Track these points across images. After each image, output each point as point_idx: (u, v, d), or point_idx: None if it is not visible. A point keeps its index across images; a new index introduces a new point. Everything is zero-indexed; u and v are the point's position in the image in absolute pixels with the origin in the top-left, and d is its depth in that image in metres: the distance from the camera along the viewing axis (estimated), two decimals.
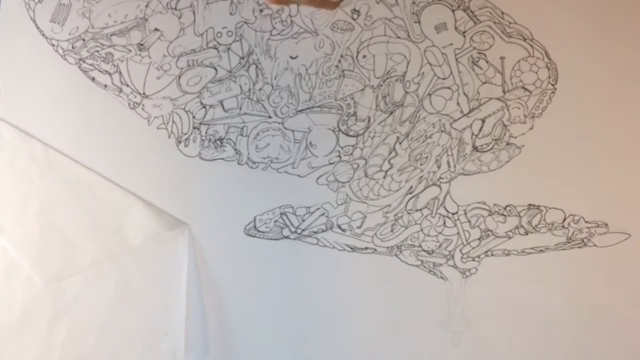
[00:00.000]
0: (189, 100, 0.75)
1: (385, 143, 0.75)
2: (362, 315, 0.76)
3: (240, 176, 0.75)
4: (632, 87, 0.75)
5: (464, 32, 0.75)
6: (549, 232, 0.75)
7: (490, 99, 0.75)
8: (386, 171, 0.75)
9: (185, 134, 0.75)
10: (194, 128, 0.75)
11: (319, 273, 0.76)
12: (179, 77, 0.75)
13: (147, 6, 0.74)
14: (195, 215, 0.75)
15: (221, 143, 0.75)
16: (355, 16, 0.74)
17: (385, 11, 0.74)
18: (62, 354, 0.73)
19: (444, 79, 0.75)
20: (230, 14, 0.74)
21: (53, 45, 0.74)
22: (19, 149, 0.75)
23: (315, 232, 0.76)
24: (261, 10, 0.74)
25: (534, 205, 0.75)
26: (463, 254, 0.76)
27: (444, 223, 0.76)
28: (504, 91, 0.75)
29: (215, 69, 0.75)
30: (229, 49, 0.74)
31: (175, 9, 0.74)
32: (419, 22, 0.74)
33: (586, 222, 0.75)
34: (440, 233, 0.76)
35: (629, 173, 0.75)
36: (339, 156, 0.75)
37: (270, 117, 0.75)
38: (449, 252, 0.76)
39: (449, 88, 0.75)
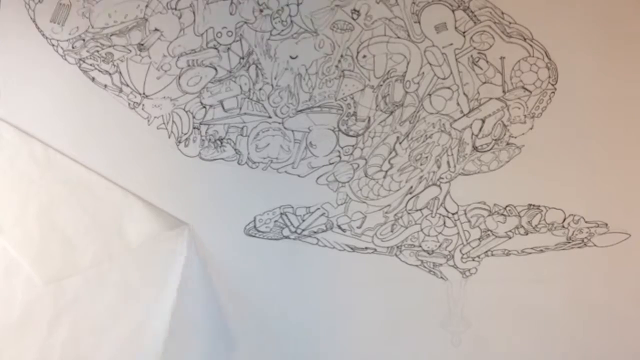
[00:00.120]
0: (189, 100, 0.75)
1: (385, 143, 0.75)
2: (362, 315, 0.76)
3: (240, 176, 0.75)
4: (632, 87, 0.75)
5: (464, 32, 0.74)
6: (549, 232, 0.75)
7: (490, 99, 0.75)
8: (386, 171, 0.75)
9: (185, 134, 0.75)
10: (194, 128, 0.75)
11: (319, 273, 0.76)
12: (179, 77, 0.75)
13: (147, 6, 0.74)
14: (195, 215, 0.75)
15: (221, 143, 0.75)
16: (355, 16, 0.74)
17: (385, 11, 0.74)
18: (62, 354, 0.73)
19: (444, 79, 0.75)
20: (230, 14, 0.74)
21: (53, 45, 0.74)
22: (19, 149, 0.75)
23: (315, 232, 0.76)
24: (261, 11, 0.74)
25: (534, 205, 0.75)
26: (463, 254, 0.76)
27: (444, 223, 0.76)
28: (504, 91, 0.75)
29: (215, 69, 0.75)
30: (229, 49, 0.74)
31: (175, 9, 0.74)
32: (419, 22, 0.74)
33: (586, 222, 0.75)
34: (440, 233, 0.76)
35: (629, 173, 0.75)
36: (339, 156, 0.75)
37: (270, 117, 0.75)
38: (449, 252, 0.76)
39: (449, 88, 0.75)
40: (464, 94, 0.75)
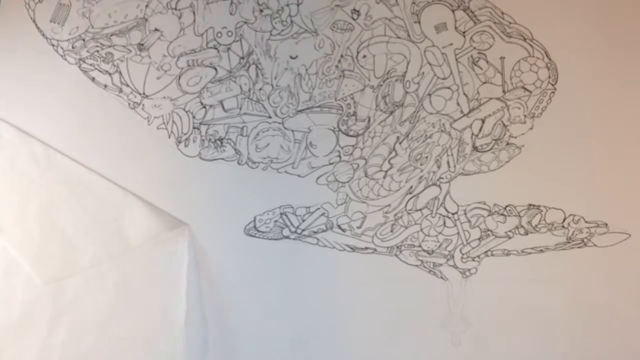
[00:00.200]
0: (189, 100, 0.75)
1: (385, 143, 0.75)
2: (362, 314, 0.76)
3: (240, 176, 0.75)
4: (632, 87, 0.75)
5: (464, 32, 0.74)
6: (549, 232, 0.75)
7: (490, 99, 0.75)
8: (386, 171, 0.75)
9: (185, 134, 0.75)
10: (194, 128, 0.75)
11: (319, 273, 0.76)
12: (179, 77, 0.75)
13: (147, 6, 0.74)
14: (195, 215, 0.75)
15: (221, 143, 0.75)
16: (355, 16, 0.74)
17: (385, 11, 0.74)
18: (62, 354, 0.73)
19: (444, 79, 0.75)
20: (230, 14, 0.74)
21: (53, 45, 0.74)
22: (19, 149, 0.75)
23: (315, 232, 0.76)
24: (261, 11, 0.74)
25: (534, 205, 0.75)
26: (463, 254, 0.76)
27: (444, 223, 0.76)
28: (504, 91, 0.75)
29: (215, 69, 0.75)
30: (229, 49, 0.74)
31: (176, 9, 0.74)
32: (419, 22, 0.74)
33: (586, 222, 0.75)
34: (440, 233, 0.76)
35: (628, 173, 0.75)
36: (339, 156, 0.75)
37: (270, 117, 0.75)
38: (449, 252, 0.76)
39: (449, 88, 0.75)
40: (464, 94, 0.75)
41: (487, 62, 0.75)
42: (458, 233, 0.76)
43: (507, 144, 0.75)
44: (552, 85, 0.75)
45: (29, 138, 0.74)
